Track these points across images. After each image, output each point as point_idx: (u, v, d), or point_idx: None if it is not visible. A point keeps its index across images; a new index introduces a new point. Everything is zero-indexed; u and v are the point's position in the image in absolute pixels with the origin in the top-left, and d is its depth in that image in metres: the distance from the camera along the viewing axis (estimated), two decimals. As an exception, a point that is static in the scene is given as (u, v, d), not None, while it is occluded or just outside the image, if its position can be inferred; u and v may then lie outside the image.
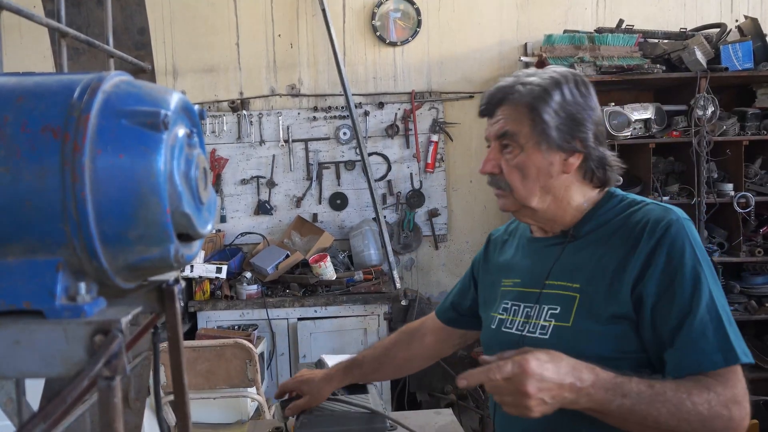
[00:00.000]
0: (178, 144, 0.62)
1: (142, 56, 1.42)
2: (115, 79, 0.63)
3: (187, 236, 0.65)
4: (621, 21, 3.73)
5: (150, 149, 0.58)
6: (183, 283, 0.84)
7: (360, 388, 1.77)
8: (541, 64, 3.52)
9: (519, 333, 1.28)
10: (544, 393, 0.98)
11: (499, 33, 4.03)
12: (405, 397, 3.51)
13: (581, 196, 1.27)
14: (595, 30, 3.71)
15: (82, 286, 0.59)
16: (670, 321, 1.11)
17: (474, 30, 4.05)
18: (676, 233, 1.14)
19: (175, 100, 0.64)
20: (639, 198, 1.27)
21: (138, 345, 0.89)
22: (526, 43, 3.98)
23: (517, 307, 1.32)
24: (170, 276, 0.76)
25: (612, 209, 1.25)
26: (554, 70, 1.27)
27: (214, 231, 3.99)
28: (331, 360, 1.93)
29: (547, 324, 1.22)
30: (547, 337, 1.21)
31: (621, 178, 1.31)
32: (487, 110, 1.29)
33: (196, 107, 0.70)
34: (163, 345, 0.82)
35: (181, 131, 0.64)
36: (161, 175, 0.58)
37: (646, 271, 1.13)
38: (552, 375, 0.99)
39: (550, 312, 1.23)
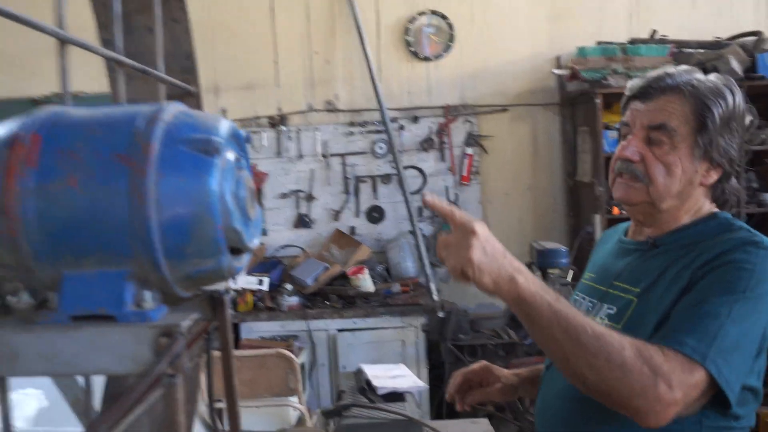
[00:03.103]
0: (229, 167, 0.69)
1: (188, 80, 1.52)
2: (172, 109, 0.71)
3: (236, 249, 0.72)
4: (654, 32, 3.73)
5: (204, 173, 0.66)
6: (233, 293, 0.91)
7: (397, 397, 1.83)
8: (573, 76, 3.55)
9: None
10: (486, 243, 0.98)
11: (531, 45, 4.07)
12: (444, 407, 3.54)
13: (696, 211, 1.23)
14: (628, 41, 3.72)
15: (148, 294, 0.67)
16: (682, 304, 1.08)
17: (506, 43, 4.10)
18: (752, 254, 1.09)
19: (225, 127, 0.72)
20: (746, 226, 1.20)
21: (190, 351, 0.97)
22: (559, 56, 4.01)
23: (582, 300, 1.33)
24: (221, 286, 0.84)
25: (706, 229, 1.20)
26: (725, 77, 1.21)
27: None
28: (370, 369, 1.99)
29: (601, 322, 1.20)
30: None
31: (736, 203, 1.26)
32: (645, 93, 1.20)
33: (243, 132, 0.78)
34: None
35: (231, 155, 0.71)
36: (214, 196, 0.65)
37: (696, 283, 1.10)
38: (497, 244, 1.01)
39: (607, 311, 1.23)
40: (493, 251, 0.99)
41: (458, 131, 4.12)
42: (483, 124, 4.13)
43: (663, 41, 3.66)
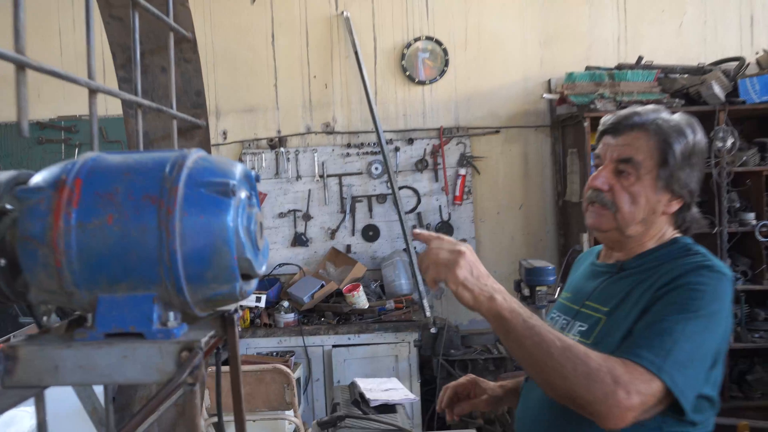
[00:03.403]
0: (242, 205, 0.81)
1: (198, 114, 1.64)
2: (194, 156, 0.82)
3: (247, 275, 0.83)
4: (640, 58, 3.87)
5: (222, 211, 0.77)
6: (240, 312, 1.03)
7: (389, 409, 1.93)
8: (562, 100, 3.68)
9: None
10: (473, 265, 1.12)
11: (523, 70, 4.22)
12: (435, 420, 3.64)
13: (660, 237, 1.35)
14: (615, 66, 3.87)
15: (172, 314, 0.78)
16: (642, 322, 1.19)
17: (499, 67, 4.24)
18: (705, 276, 1.20)
19: (239, 170, 0.83)
20: (703, 250, 1.31)
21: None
22: (549, 80, 4.15)
23: (558, 318, 1.44)
24: (231, 306, 0.96)
25: (668, 252, 1.31)
26: (687, 117, 1.33)
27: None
28: (363, 383, 2.10)
29: (573, 338, 1.30)
30: None
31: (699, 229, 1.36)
32: (615, 129, 1.33)
33: (253, 173, 0.89)
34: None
35: (243, 194, 0.83)
36: (230, 230, 0.77)
37: (655, 303, 1.21)
38: (481, 267, 1.15)
39: (579, 328, 1.35)
40: (477, 273, 1.13)
41: (452, 152, 4.25)
42: (476, 146, 4.27)
43: (649, 67, 3.81)
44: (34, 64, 0.83)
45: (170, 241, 0.74)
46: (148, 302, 0.77)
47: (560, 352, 1.11)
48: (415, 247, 4.17)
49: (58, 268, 0.76)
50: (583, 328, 1.34)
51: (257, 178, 0.91)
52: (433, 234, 1.19)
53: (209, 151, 1.67)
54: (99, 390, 1.13)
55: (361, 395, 1.97)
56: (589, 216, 1.37)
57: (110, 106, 3.80)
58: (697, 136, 1.31)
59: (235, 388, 1.03)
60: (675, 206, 1.32)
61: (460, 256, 1.13)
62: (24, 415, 2.48)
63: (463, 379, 1.65)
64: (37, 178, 0.80)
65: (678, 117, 1.34)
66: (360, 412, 1.86)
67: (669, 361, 1.12)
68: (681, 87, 3.68)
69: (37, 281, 0.77)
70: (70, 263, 0.75)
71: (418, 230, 1.21)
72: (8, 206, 0.80)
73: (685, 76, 3.78)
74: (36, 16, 3.99)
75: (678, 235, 1.36)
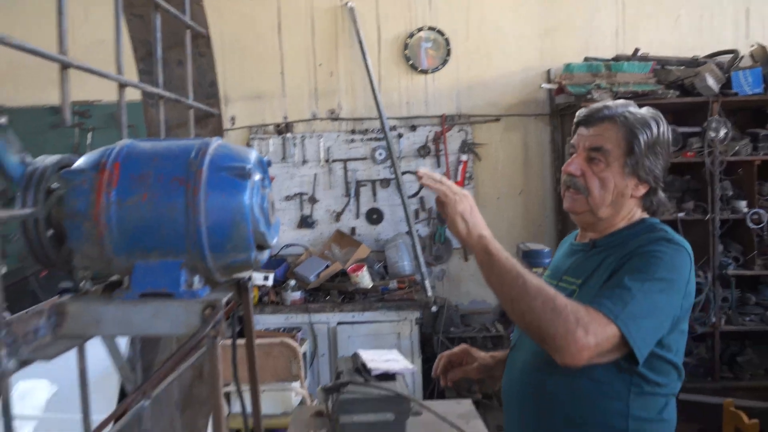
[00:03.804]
0: (256, 186, 0.95)
1: (212, 103, 1.78)
2: (215, 144, 0.96)
3: (260, 246, 0.97)
4: (636, 50, 3.98)
5: (240, 191, 0.91)
6: (253, 280, 1.17)
7: (389, 378, 2.07)
8: (560, 90, 3.80)
9: None
10: (472, 207, 1.36)
11: (523, 60, 4.32)
12: (435, 393, 3.81)
13: (629, 218, 1.49)
14: (612, 58, 3.97)
15: (196, 278, 0.92)
16: (607, 283, 1.34)
17: (500, 57, 4.35)
18: (664, 246, 1.35)
19: (254, 156, 0.97)
20: (666, 228, 1.45)
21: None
22: (549, 70, 4.26)
23: None
24: (245, 274, 1.10)
25: (634, 230, 1.45)
26: (653, 111, 1.46)
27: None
28: (365, 354, 2.24)
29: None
30: None
31: (666, 212, 1.53)
32: (587, 121, 1.47)
33: (266, 159, 1.03)
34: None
35: (258, 177, 0.97)
36: (247, 208, 0.90)
37: (618, 269, 1.36)
38: (478, 211, 1.38)
39: None
40: (474, 213, 1.36)
41: (453, 139, 4.37)
42: (477, 133, 4.39)
43: (645, 58, 3.91)
44: (75, 63, 0.97)
45: (196, 217, 0.88)
46: (176, 268, 0.91)
47: (534, 288, 1.28)
48: (417, 230, 4.32)
49: (100, 239, 0.90)
50: None
51: (269, 163, 1.04)
52: (438, 182, 1.39)
53: (222, 137, 1.81)
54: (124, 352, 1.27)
55: (363, 365, 2.10)
56: (566, 200, 1.51)
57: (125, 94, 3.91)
58: (661, 128, 1.44)
59: (249, 348, 1.17)
60: (642, 190, 1.46)
61: (464, 195, 1.36)
62: (36, 388, 2.61)
63: (456, 349, 1.81)
64: (80, 162, 0.94)
65: (644, 110, 1.47)
66: (362, 380, 2.00)
67: (625, 312, 1.27)
68: (676, 79, 3.79)
69: (81, 250, 0.92)
70: (111, 235, 0.89)
71: (423, 170, 1.42)
72: (55, 185, 0.94)
73: (681, 68, 3.88)
74: (52, 7, 4.11)
75: (646, 216, 1.50)
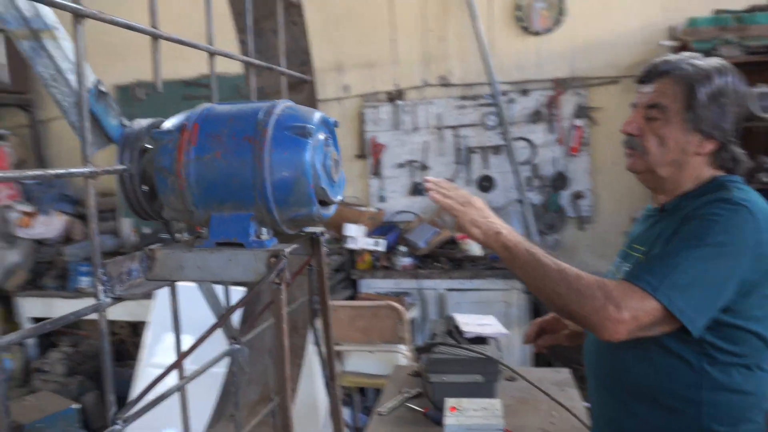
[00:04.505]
0: (319, 145, 1.00)
1: (304, 70, 1.86)
2: (282, 105, 1.02)
3: (324, 202, 1.03)
4: (775, -2, 3.62)
5: (301, 148, 0.97)
6: (326, 235, 1.24)
7: (481, 341, 2.10)
8: (684, 47, 3.55)
9: None
10: (481, 210, 1.39)
11: (645, 16, 4.06)
12: (543, 363, 3.77)
13: (697, 177, 1.40)
14: (746, 9, 3.64)
15: (264, 230, 1.00)
16: (657, 251, 1.30)
17: (618, 14, 4.12)
18: (720, 208, 1.27)
19: (317, 117, 1.03)
20: (741, 186, 1.36)
21: (304, 288, 1.31)
22: (675, 26, 3.98)
23: (617, 261, 1.56)
24: (317, 229, 1.17)
25: (704, 192, 1.36)
26: (719, 61, 1.38)
27: (372, 208, 4.48)
28: (460, 317, 2.28)
29: (621, 277, 1.41)
30: None
31: (744, 171, 1.41)
32: (646, 78, 1.41)
33: (332, 120, 1.08)
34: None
35: (321, 136, 1.02)
36: (307, 164, 0.96)
37: (678, 230, 1.30)
38: (489, 211, 1.41)
39: (624, 268, 1.46)
40: (485, 214, 1.38)
41: (567, 103, 4.22)
42: (593, 96, 4.21)
43: (785, 8, 3.55)
44: (164, 35, 1.07)
45: (261, 172, 0.96)
46: (246, 219, 1.00)
47: (555, 274, 1.28)
48: (529, 198, 4.25)
49: (182, 191, 1.00)
50: (627, 268, 1.44)
51: (335, 124, 1.10)
52: (444, 181, 1.44)
53: (315, 103, 1.90)
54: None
55: (456, 327, 2.15)
56: (627, 160, 1.45)
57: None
58: (726, 78, 1.34)
59: (323, 302, 1.25)
60: (708, 147, 1.36)
61: (470, 203, 1.39)
62: (184, 340, 2.90)
63: (548, 316, 1.81)
64: (167, 123, 1.04)
65: (708, 61, 1.37)
66: (453, 342, 2.05)
67: (666, 283, 1.22)
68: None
69: (168, 202, 1.02)
70: (191, 187, 0.99)
71: (429, 178, 1.45)
72: (148, 146, 1.06)
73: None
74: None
75: (717, 174, 1.40)
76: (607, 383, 1.45)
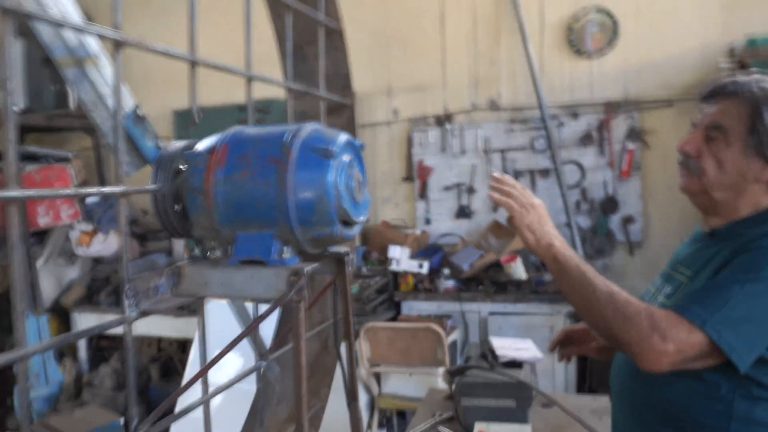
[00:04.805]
0: (342, 166, 1.02)
1: (345, 94, 1.90)
2: (309, 127, 1.05)
3: (347, 222, 1.05)
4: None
5: (324, 169, 0.99)
6: (353, 256, 1.25)
7: (516, 365, 2.08)
8: (743, 68, 3.45)
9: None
10: (540, 216, 1.32)
11: (702, 36, 3.96)
12: (587, 388, 3.68)
13: (755, 205, 1.33)
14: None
15: (286, 249, 1.02)
16: (709, 282, 1.24)
17: (674, 34, 4.03)
18: None
19: (342, 139, 1.05)
20: None
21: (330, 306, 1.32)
22: (732, 47, 3.87)
23: (658, 283, 1.50)
24: (342, 249, 1.19)
25: (761, 221, 1.30)
26: None
27: (418, 231, 4.48)
28: (497, 341, 2.25)
29: (661, 300, 1.39)
30: None
31: None
32: (710, 96, 1.35)
33: (358, 142, 1.10)
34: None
35: (346, 158, 1.04)
36: (330, 185, 0.98)
37: (725, 266, 1.24)
38: (548, 220, 1.34)
39: (665, 291, 1.41)
40: (543, 222, 1.32)
41: (619, 126, 4.15)
42: (646, 119, 4.12)
43: None
44: (200, 60, 1.12)
45: (285, 192, 0.98)
46: (270, 238, 1.02)
47: (604, 296, 1.23)
48: (577, 222, 4.18)
49: (210, 211, 1.03)
50: (668, 291, 1.39)
51: (362, 147, 1.12)
52: (509, 178, 1.40)
53: (354, 126, 1.93)
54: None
55: (492, 351, 2.13)
56: (681, 179, 1.39)
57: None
58: None
59: (347, 321, 1.26)
60: None
61: (532, 206, 1.33)
62: (231, 357, 2.96)
63: (577, 326, 1.78)
64: (200, 145, 1.09)
65: None
66: (487, 365, 2.03)
67: (717, 317, 1.17)
68: None
69: (198, 221, 1.06)
70: (218, 207, 1.02)
71: (497, 174, 1.42)
72: (182, 167, 1.10)
73: None
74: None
75: None
76: (633, 405, 1.41)
